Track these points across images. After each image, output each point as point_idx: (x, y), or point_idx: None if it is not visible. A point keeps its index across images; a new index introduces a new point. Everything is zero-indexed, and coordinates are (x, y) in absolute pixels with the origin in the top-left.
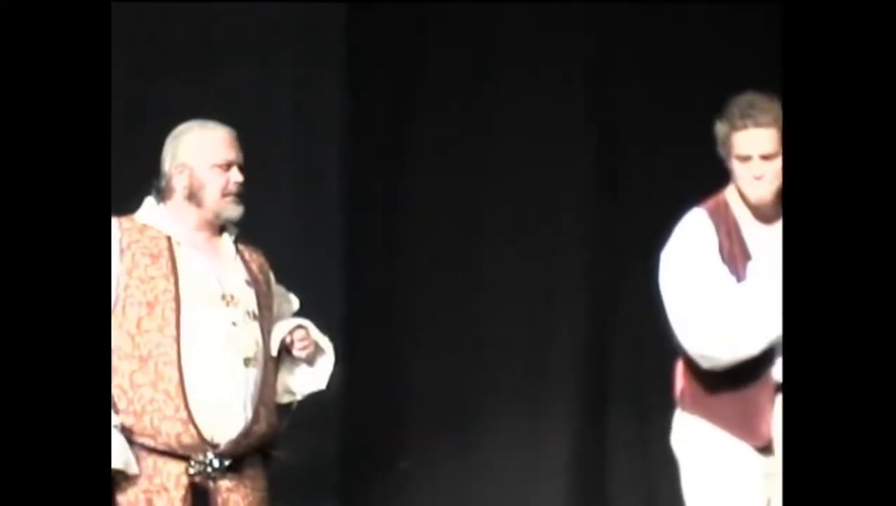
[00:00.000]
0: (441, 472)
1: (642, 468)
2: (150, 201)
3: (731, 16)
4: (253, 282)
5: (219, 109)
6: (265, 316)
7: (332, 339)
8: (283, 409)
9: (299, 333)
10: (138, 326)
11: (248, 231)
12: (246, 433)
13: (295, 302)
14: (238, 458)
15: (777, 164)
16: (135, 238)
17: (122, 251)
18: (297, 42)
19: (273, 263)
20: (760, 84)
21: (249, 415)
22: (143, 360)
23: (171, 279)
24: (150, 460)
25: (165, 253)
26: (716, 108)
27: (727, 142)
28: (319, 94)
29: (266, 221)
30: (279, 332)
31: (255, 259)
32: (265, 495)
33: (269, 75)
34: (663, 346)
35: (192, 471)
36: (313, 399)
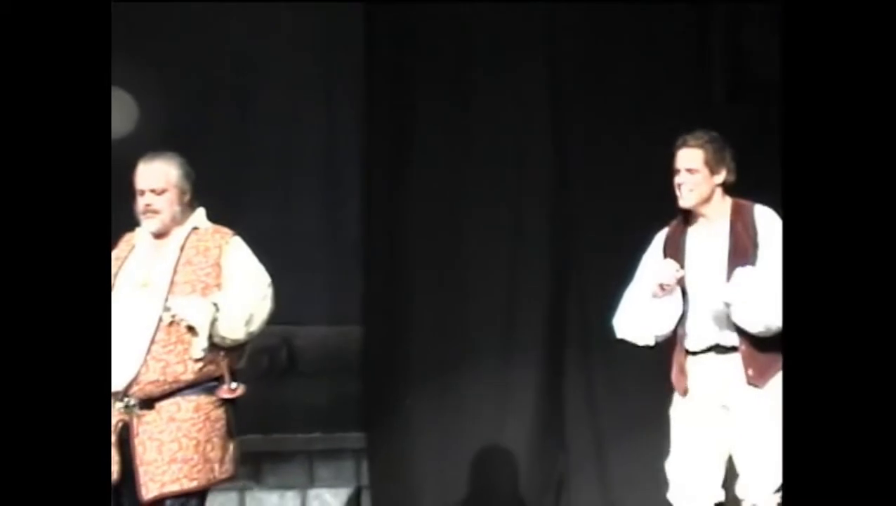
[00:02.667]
0: (435, 407)
1: (591, 409)
2: None
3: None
4: (186, 264)
5: (252, 126)
6: (182, 290)
7: (352, 309)
8: (233, 354)
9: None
10: None
11: (283, 221)
12: (135, 381)
13: (249, 281)
14: (149, 399)
15: (697, 177)
16: (125, 243)
17: (119, 251)
18: (318, 51)
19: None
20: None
21: (136, 368)
22: None
23: (115, 273)
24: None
25: (123, 254)
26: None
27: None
28: (341, 104)
29: (296, 213)
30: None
31: (204, 248)
32: (189, 426)
33: (294, 87)
34: (611, 311)
35: (119, 410)
36: (339, 353)
